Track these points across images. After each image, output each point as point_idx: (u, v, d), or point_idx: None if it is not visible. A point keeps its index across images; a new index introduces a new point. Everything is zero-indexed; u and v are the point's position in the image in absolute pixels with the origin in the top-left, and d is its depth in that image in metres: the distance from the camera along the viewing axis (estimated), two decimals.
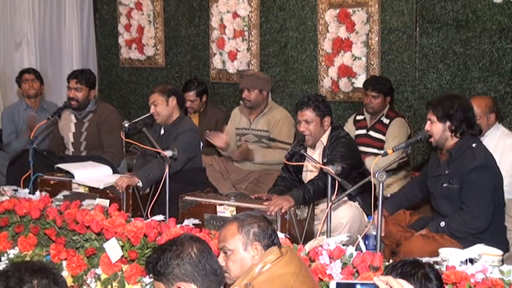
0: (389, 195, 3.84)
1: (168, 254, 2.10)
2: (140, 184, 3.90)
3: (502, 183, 3.40)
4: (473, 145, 3.32)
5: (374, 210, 3.20)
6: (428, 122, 3.40)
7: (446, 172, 3.37)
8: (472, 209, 3.25)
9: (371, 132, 4.81)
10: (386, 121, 4.77)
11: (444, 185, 3.38)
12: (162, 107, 4.21)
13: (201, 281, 2.08)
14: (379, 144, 4.72)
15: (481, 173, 3.25)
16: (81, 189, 3.98)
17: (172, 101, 4.25)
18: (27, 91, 5.38)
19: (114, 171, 4.39)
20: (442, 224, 3.32)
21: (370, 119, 4.87)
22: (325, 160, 3.78)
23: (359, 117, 4.96)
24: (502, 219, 3.43)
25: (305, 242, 3.02)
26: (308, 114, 3.86)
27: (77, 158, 4.64)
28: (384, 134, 4.74)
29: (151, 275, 2.18)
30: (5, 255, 3.52)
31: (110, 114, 4.90)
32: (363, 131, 4.85)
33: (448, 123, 3.33)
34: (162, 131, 4.29)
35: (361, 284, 1.86)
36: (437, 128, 3.36)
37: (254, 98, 4.84)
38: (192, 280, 2.07)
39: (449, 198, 3.37)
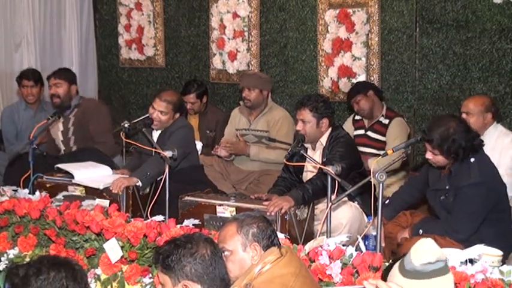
0: (386, 202, 3.80)
1: (182, 251, 2.10)
2: (140, 184, 3.89)
3: (503, 193, 3.41)
4: (472, 160, 3.32)
5: (374, 213, 3.19)
6: (430, 153, 3.37)
7: (447, 187, 3.39)
8: (455, 221, 3.29)
9: (369, 133, 4.79)
10: (385, 121, 4.75)
11: (441, 197, 3.42)
12: (166, 118, 4.20)
13: (208, 283, 2.08)
14: (378, 144, 4.70)
15: (472, 190, 3.27)
16: (78, 192, 3.96)
17: (177, 115, 4.26)
18: (25, 97, 5.38)
19: (109, 164, 4.39)
20: (420, 232, 3.37)
21: (368, 120, 4.86)
22: (324, 160, 3.78)
23: (358, 117, 4.94)
24: (508, 223, 3.43)
25: (305, 243, 3.02)
26: (305, 114, 3.86)
27: (72, 154, 4.64)
28: (383, 135, 4.72)
29: (158, 266, 2.17)
30: (5, 255, 3.51)
31: (96, 106, 4.95)
32: (361, 131, 4.84)
33: (452, 156, 3.32)
34: (157, 133, 4.27)
35: None
36: (441, 159, 3.35)
37: (254, 97, 4.84)
38: (199, 281, 2.07)
39: (446, 210, 3.40)
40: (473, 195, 3.27)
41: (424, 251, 1.84)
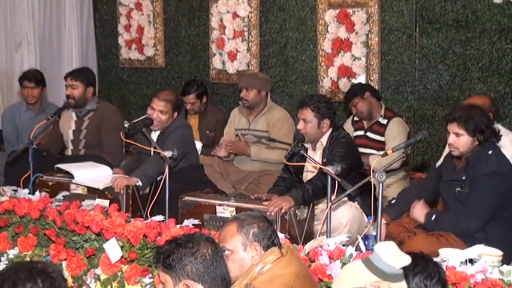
0: (393, 201, 3.79)
1: (183, 250, 2.10)
2: (140, 183, 3.89)
3: None
4: (489, 152, 3.32)
5: (374, 213, 3.19)
6: (453, 136, 3.36)
7: (463, 178, 3.38)
8: (468, 210, 3.29)
9: (368, 134, 4.79)
10: (384, 121, 4.74)
11: (457, 189, 3.40)
12: (167, 117, 4.20)
13: (209, 283, 2.08)
14: (377, 145, 4.69)
15: (489, 179, 3.27)
16: (80, 190, 3.97)
17: (175, 114, 4.26)
18: (26, 97, 5.38)
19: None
20: (433, 217, 3.37)
21: (367, 121, 4.85)
22: (324, 160, 3.78)
23: (357, 118, 4.94)
24: None
25: (305, 243, 3.02)
26: (306, 113, 3.86)
27: (76, 158, 4.64)
28: (382, 135, 4.71)
29: (159, 265, 2.17)
30: (5, 255, 3.52)
31: (111, 115, 4.88)
32: (361, 132, 4.84)
33: (478, 136, 3.33)
34: (156, 135, 4.26)
35: None
36: (465, 141, 3.34)
37: (252, 97, 4.84)
38: (200, 280, 2.07)
39: (460, 202, 3.39)
40: (490, 184, 3.26)
41: (397, 254, 1.93)
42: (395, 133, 4.63)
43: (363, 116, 4.77)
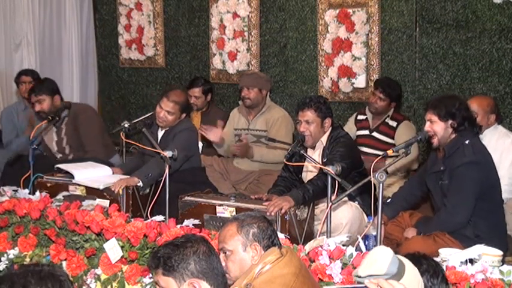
0: (388, 200, 3.81)
1: (184, 250, 2.11)
2: (140, 184, 3.89)
3: (496, 181, 3.42)
4: (466, 142, 3.34)
5: (375, 213, 3.19)
6: (428, 123, 3.40)
7: (442, 168, 3.41)
8: (451, 205, 3.30)
9: (375, 134, 4.78)
10: (393, 124, 4.74)
11: (440, 182, 3.42)
12: (173, 118, 4.20)
13: (213, 279, 2.10)
14: (384, 146, 4.62)
15: (466, 169, 3.28)
16: (78, 192, 3.96)
17: (183, 115, 4.27)
18: (23, 93, 5.38)
19: (108, 165, 4.37)
20: (421, 234, 3.38)
21: (372, 120, 4.84)
22: (324, 160, 3.78)
23: (361, 117, 4.93)
24: (502, 219, 3.43)
25: (305, 243, 3.02)
26: (309, 115, 3.86)
27: (70, 161, 4.63)
28: (390, 137, 4.71)
29: (158, 270, 2.13)
30: (5, 255, 3.52)
31: (83, 112, 4.83)
32: (365, 132, 4.83)
33: (450, 122, 3.35)
34: (162, 133, 4.28)
35: None
36: (439, 127, 3.36)
37: (254, 96, 4.84)
38: (205, 277, 2.08)
39: (444, 195, 3.40)
40: (468, 175, 3.27)
41: (373, 262, 1.81)
42: (407, 137, 4.62)
43: (373, 110, 4.79)
